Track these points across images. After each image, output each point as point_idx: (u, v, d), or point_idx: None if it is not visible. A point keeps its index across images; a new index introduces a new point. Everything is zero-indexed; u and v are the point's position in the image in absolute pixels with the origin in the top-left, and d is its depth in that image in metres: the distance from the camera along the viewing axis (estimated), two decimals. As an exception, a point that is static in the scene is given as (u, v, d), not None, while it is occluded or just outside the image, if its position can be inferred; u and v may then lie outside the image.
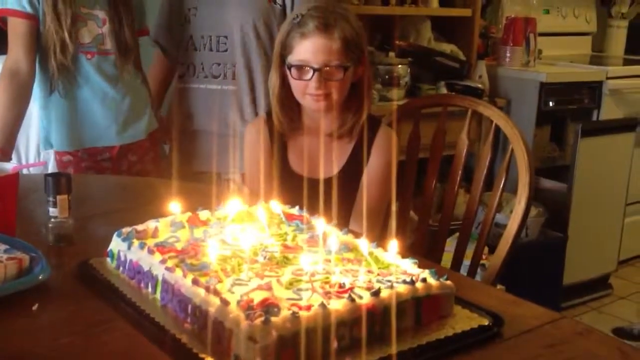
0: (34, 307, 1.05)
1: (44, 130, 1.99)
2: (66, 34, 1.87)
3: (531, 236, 3.03)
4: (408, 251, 1.15)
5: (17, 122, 1.91)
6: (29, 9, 1.88)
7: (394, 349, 0.93)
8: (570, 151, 3.21)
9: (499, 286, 1.91)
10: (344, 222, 1.57)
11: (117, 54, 1.97)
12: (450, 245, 1.92)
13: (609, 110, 3.44)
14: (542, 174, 3.20)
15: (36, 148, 2.24)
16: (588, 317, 3.11)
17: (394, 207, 1.77)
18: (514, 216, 1.67)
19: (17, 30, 1.89)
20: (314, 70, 1.59)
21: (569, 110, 3.40)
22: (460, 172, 1.83)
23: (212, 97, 2.17)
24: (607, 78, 3.42)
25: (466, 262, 1.81)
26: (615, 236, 3.39)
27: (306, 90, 1.62)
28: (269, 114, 1.74)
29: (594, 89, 3.41)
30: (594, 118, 3.46)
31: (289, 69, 1.62)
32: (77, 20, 1.90)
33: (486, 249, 2.48)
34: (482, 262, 2.20)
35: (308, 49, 1.59)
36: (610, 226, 3.35)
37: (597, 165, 3.17)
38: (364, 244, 1.12)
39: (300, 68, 1.61)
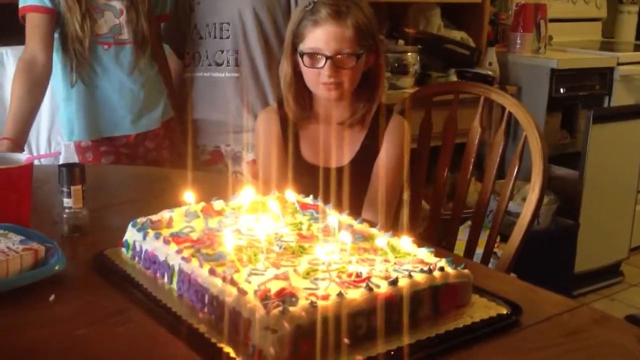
0: (50, 298, 1.05)
1: (69, 122, 2.00)
2: (77, 26, 1.88)
3: (543, 224, 3.01)
4: (420, 240, 1.14)
5: (31, 113, 1.91)
6: (48, 3, 1.89)
7: (412, 339, 0.92)
8: (582, 138, 3.19)
9: (511, 274, 1.90)
10: (356, 211, 1.56)
11: (133, 43, 1.97)
12: (461, 234, 1.91)
13: (620, 97, 3.42)
14: (553, 162, 3.18)
15: (47, 139, 2.25)
16: (600, 305, 3.10)
17: (406, 196, 1.76)
18: (527, 204, 1.66)
19: (34, 23, 1.90)
20: (327, 58, 1.58)
21: (580, 97, 3.38)
22: (472, 160, 1.82)
23: (216, 85, 2.16)
24: (618, 64, 3.40)
25: (478, 250, 1.80)
26: (627, 223, 3.37)
27: (318, 79, 1.61)
28: (280, 103, 1.73)
29: (605, 75, 3.39)
30: (605, 104, 3.44)
31: (301, 57, 1.62)
32: (93, 12, 1.91)
33: (497, 238, 2.48)
34: (494, 250, 2.20)
35: (320, 37, 1.58)
36: (621, 213, 3.33)
37: (609, 152, 3.15)
38: (379, 233, 1.12)
39: (313, 56, 1.60)
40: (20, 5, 1.91)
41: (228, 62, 2.14)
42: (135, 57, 1.98)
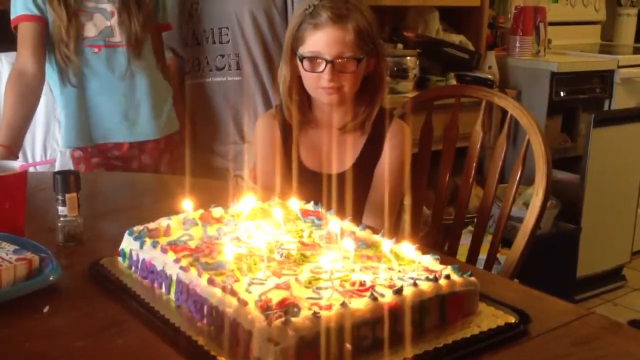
0: (45, 310, 1.02)
1: (63, 128, 1.97)
2: (63, 30, 1.86)
3: (544, 228, 2.99)
4: (421, 245, 1.11)
5: (24, 121, 1.89)
6: (35, 11, 1.87)
7: (418, 349, 0.90)
8: (582, 142, 3.16)
9: (514, 280, 1.87)
10: (357, 217, 1.54)
11: (126, 46, 1.94)
12: (462, 239, 1.88)
13: (620, 100, 3.41)
14: (554, 166, 3.11)
15: (42, 146, 2.22)
16: (602, 309, 3.07)
17: (408, 201, 1.73)
18: (531, 208, 1.63)
19: (25, 32, 1.89)
20: (327, 62, 1.55)
21: (580, 100, 3.36)
22: (474, 164, 1.80)
23: (217, 90, 2.15)
24: (619, 67, 3.38)
25: (480, 256, 1.77)
26: (629, 227, 3.35)
27: (318, 83, 1.58)
28: (279, 107, 1.71)
29: (605, 78, 3.38)
30: (606, 108, 3.42)
31: (301, 61, 1.59)
32: (79, 15, 1.89)
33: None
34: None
35: (321, 41, 1.55)
36: (623, 217, 3.31)
37: (610, 155, 3.13)
38: (383, 240, 1.09)
39: (313, 60, 1.57)
40: (12, 16, 1.90)
41: (229, 66, 2.13)
42: (128, 60, 1.94)
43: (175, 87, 2.26)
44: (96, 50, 1.92)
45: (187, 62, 2.20)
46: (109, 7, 1.92)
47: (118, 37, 1.93)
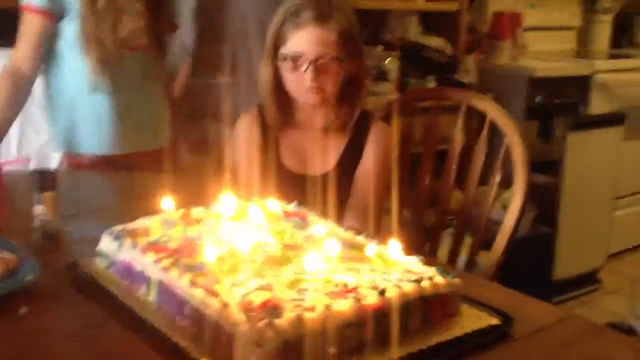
0: (22, 311, 1.00)
1: (68, 130, 1.89)
2: (104, 29, 1.76)
3: (520, 232, 2.99)
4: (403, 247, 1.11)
5: (9, 124, 1.82)
6: (46, 4, 1.77)
7: (402, 351, 0.89)
8: (558, 146, 3.19)
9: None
10: (339, 219, 1.53)
11: (151, 50, 1.82)
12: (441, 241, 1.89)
13: (596, 105, 3.44)
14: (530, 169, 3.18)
15: (17, 145, 2.18)
16: (579, 313, 3.09)
17: (393, 204, 1.73)
18: (511, 209, 1.64)
19: (27, 26, 1.79)
20: (309, 62, 1.54)
21: (556, 105, 3.38)
22: (454, 166, 1.80)
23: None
24: (595, 72, 3.42)
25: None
26: (604, 230, 3.37)
27: (300, 83, 1.57)
28: (260, 108, 1.69)
29: (581, 83, 3.41)
30: (582, 112, 3.45)
31: (283, 60, 1.58)
32: (113, 12, 1.78)
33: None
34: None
35: (303, 40, 1.54)
36: (599, 220, 3.34)
37: (586, 159, 3.15)
38: (366, 241, 1.08)
39: (295, 60, 1.56)
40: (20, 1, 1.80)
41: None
42: (151, 66, 1.83)
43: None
44: (125, 52, 1.81)
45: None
46: (139, 6, 1.79)
47: (143, 40, 1.82)
